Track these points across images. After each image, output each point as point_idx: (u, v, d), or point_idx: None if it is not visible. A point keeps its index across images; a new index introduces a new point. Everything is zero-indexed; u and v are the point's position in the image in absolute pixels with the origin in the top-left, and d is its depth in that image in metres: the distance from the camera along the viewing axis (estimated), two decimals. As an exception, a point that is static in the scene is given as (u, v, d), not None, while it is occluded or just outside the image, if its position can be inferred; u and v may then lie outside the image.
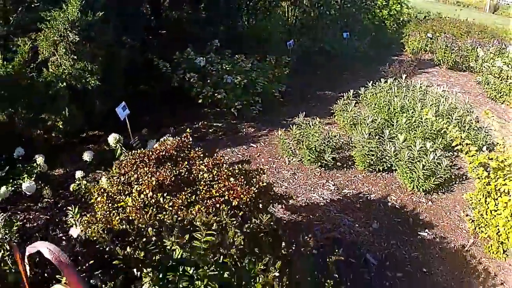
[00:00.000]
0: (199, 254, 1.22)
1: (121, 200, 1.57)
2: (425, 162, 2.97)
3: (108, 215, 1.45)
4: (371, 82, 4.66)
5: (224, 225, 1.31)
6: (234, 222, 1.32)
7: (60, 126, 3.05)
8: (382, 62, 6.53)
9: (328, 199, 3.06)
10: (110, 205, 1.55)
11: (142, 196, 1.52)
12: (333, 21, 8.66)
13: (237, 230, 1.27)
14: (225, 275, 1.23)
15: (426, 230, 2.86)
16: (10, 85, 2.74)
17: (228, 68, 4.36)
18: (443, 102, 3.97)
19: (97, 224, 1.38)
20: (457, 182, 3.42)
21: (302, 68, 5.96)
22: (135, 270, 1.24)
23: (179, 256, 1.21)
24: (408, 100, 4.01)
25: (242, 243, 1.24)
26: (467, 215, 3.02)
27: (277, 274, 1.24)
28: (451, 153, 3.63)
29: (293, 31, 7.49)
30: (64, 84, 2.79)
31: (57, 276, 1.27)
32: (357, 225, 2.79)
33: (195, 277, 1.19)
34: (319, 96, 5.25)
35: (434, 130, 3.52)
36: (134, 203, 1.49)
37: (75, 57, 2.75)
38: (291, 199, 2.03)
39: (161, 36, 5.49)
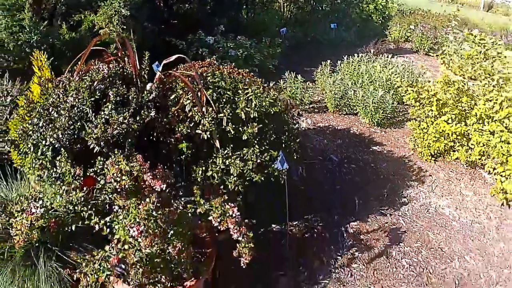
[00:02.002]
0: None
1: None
2: (373, 99, 4.25)
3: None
4: (346, 56, 5.94)
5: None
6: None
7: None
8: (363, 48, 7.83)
9: (306, 128, 4.34)
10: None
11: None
12: (325, 16, 10.03)
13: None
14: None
15: (377, 146, 4.14)
16: (73, 47, 4.02)
17: (231, 45, 5.67)
18: (399, 67, 5.26)
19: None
20: (405, 121, 4.67)
21: (293, 53, 7.28)
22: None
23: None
24: (372, 66, 5.30)
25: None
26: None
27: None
28: (405, 106, 4.90)
29: (288, 24, 8.85)
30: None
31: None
32: (325, 141, 4.08)
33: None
34: (306, 71, 6.55)
35: (389, 84, 4.79)
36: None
37: (124, 27, 4.06)
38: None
39: (173, 26, 6.84)
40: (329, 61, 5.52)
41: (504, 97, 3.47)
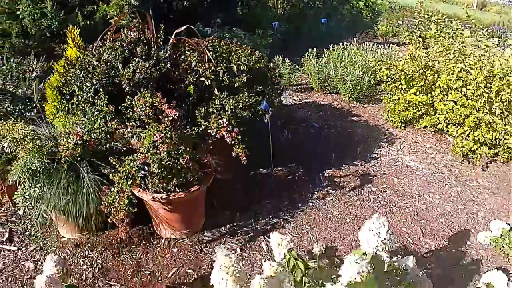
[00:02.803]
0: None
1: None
2: (351, 77, 4.94)
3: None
4: (332, 45, 6.63)
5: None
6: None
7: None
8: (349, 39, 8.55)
9: (293, 103, 5.01)
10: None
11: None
12: (316, 12, 10.77)
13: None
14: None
15: (355, 117, 4.82)
16: (87, 34, 4.70)
17: (227, 36, 6.36)
18: (379, 53, 5.95)
19: None
20: (381, 98, 5.34)
21: (284, 44, 7.97)
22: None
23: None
24: (353, 52, 5.98)
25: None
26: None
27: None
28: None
29: (281, 19, 9.58)
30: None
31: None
32: (309, 113, 4.76)
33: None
34: (296, 59, 7.24)
35: (367, 66, 5.46)
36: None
37: (133, 15, 4.74)
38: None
39: (173, 20, 7.55)
40: (315, 48, 6.21)
41: (460, 67, 4.15)
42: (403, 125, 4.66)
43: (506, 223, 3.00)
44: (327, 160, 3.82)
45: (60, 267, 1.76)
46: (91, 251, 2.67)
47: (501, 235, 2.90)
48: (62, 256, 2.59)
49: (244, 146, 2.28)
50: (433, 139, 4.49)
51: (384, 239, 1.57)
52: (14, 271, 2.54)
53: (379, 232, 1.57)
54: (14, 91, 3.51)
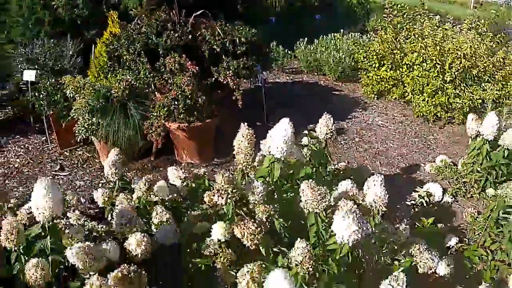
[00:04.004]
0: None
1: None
2: (333, 59, 6.05)
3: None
4: (321, 36, 7.75)
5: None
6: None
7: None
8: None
9: (285, 81, 6.12)
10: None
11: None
12: (312, 9, 11.93)
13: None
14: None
15: (336, 91, 5.94)
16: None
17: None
18: (362, 40, 7.06)
19: None
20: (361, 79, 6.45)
21: (280, 36, 9.09)
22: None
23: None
24: (339, 40, 7.10)
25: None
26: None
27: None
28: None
29: (279, 15, 10.74)
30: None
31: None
32: (298, 87, 5.86)
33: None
34: (290, 48, 8.38)
35: (350, 51, 6.57)
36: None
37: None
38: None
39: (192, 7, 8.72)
40: (306, 38, 7.33)
41: (420, 46, 5.25)
42: (376, 96, 5.77)
43: (448, 157, 4.09)
44: (309, 119, 4.90)
45: (120, 156, 2.81)
46: (127, 172, 3.75)
47: (443, 165, 3.97)
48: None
49: (241, 92, 3.38)
50: (400, 107, 5.58)
51: (331, 129, 2.65)
52: (67, 188, 3.61)
53: (327, 124, 2.65)
54: (53, 66, 4.60)
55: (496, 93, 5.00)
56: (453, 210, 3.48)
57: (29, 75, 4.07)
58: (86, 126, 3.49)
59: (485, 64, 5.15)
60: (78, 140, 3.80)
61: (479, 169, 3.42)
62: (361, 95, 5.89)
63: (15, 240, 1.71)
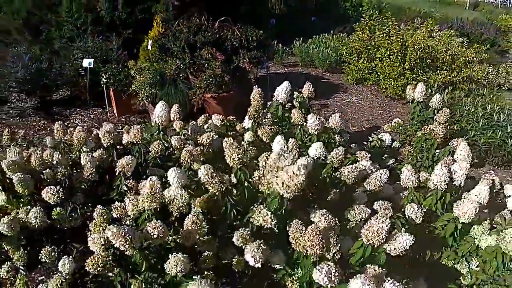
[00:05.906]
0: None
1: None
2: (321, 54, 7.96)
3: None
4: (315, 36, 9.66)
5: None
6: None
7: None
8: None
9: (283, 72, 8.02)
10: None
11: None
12: (309, 12, 13.88)
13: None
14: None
15: (324, 79, 7.83)
16: (144, 24, 7.73)
17: (236, 28, 9.41)
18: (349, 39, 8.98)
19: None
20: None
21: (279, 36, 11.03)
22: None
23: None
24: (328, 39, 9.02)
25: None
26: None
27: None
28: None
29: (278, 18, 12.68)
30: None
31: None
32: (295, 76, 7.76)
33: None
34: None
35: (336, 49, 8.48)
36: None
37: (175, 12, 7.75)
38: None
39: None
40: (302, 37, 9.25)
41: (387, 43, 7.16)
42: (355, 82, 7.67)
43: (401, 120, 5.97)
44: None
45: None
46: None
47: (397, 125, 5.84)
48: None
49: (253, 76, 5.28)
50: (374, 90, 7.48)
51: (311, 91, 4.51)
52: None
53: (309, 87, 4.52)
54: (102, 56, 6.44)
55: (449, 78, 6.92)
56: (399, 152, 5.35)
57: (88, 62, 5.87)
58: (147, 95, 5.35)
59: (442, 56, 7.07)
60: (134, 109, 5.68)
61: (415, 122, 5.30)
62: (343, 82, 7.79)
63: (138, 137, 3.56)
